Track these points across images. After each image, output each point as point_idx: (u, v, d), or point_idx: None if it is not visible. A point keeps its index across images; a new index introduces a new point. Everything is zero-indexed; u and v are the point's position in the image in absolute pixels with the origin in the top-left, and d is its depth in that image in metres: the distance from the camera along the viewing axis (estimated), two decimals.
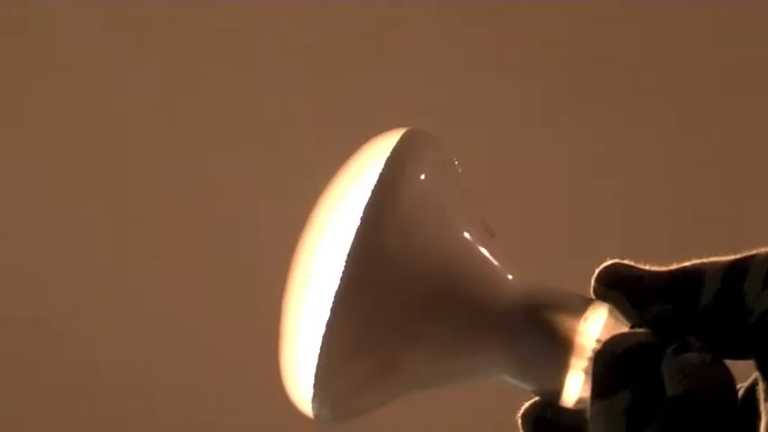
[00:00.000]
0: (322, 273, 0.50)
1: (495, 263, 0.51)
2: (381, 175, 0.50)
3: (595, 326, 0.48)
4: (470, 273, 0.50)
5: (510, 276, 0.51)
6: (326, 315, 0.49)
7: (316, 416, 0.51)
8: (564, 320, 0.48)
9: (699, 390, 0.44)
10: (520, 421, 0.50)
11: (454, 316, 0.50)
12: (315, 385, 0.50)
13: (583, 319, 0.48)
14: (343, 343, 0.49)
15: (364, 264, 0.49)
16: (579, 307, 0.49)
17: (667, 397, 0.44)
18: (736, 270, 0.46)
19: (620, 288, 0.48)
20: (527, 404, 0.50)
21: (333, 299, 0.49)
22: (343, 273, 0.49)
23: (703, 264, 0.47)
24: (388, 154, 0.51)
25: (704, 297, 0.47)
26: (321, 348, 0.49)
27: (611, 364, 0.46)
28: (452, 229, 0.51)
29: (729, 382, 0.45)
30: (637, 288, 0.48)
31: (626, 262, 0.49)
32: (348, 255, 0.49)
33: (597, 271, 0.49)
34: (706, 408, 0.44)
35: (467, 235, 0.51)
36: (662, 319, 0.47)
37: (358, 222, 0.49)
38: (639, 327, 0.48)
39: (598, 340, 0.48)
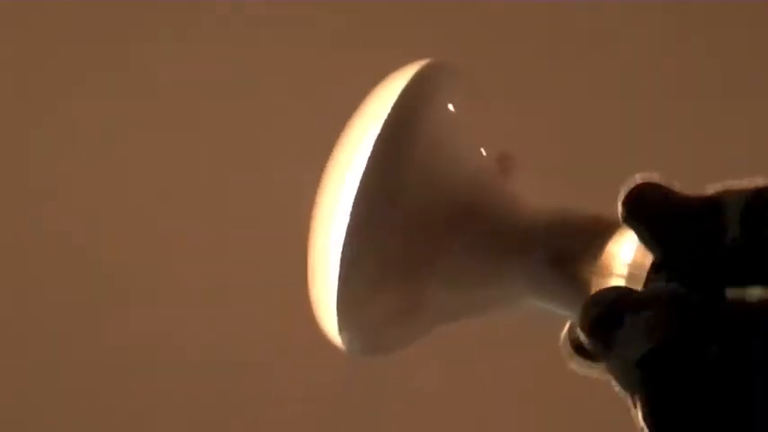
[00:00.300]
0: (343, 209, 0.49)
1: (516, 189, 0.50)
2: (398, 102, 0.49)
3: (625, 249, 0.47)
4: (490, 198, 0.49)
5: (533, 202, 0.50)
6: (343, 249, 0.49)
7: (347, 349, 0.50)
8: (592, 244, 0.47)
9: (662, 345, 0.43)
10: (561, 342, 0.49)
11: (475, 243, 0.49)
12: (338, 319, 0.49)
13: (611, 242, 0.47)
14: (362, 277, 0.49)
15: (377, 196, 0.48)
16: (608, 231, 0.48)
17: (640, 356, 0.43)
18: (761, 199, 0.45)
19: (641, 219, 0.46)
20: (566, 328, 0.49)
21: (346, 232, 0.48)
22: (354, 206, 0.48)
23: (726, 191, 0.46)
24: (408, 81, 0.50)
25: (728, 228, 0.45)
26: (339, 283, 0.49)
27: (597, 325, 0.45)
28: (472, 155, 0.50)
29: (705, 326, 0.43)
30: (658, 219, 0.46)
31: (653, 181, 0.47)
32: (359, 187, 0.48)
33: (624, 194, 0.47)
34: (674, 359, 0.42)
35: (486, 161, 0.50)
36: (683, 253, 0.45)
37: (370, 153, 0.49)
38: (661, 260, 0.46)
39: (629, 264, 0.47)
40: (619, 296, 0.45)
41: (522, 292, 0.49)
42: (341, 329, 0.50)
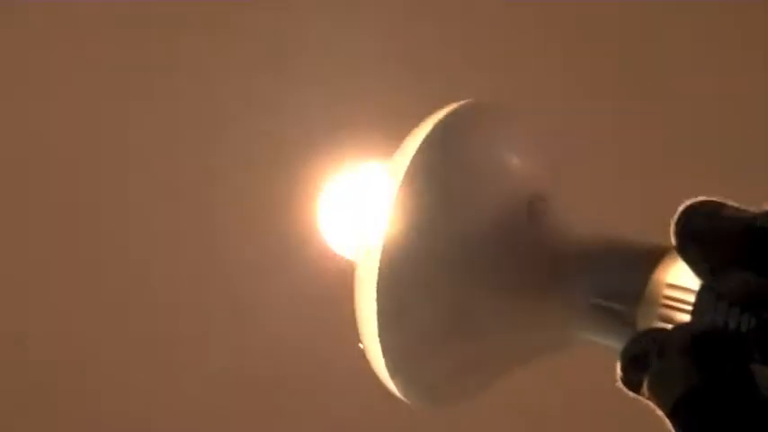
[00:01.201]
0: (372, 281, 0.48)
1: (555, 222, 0.49)
2: (417, 152, 0.48)
3: (672, 276, 0.46)
4: (524, 243, 0.48)
5: (574, 233, 0.48)
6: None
7: (405, 398, 0.50)
8: (637, 275, 0.46)
9: None
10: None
11: (513, 290, 0.48)
12: (393, 383, 0.49)
13: (658, 270, 0.46)
14: (404, 346, 0.48)
15: (402, 264, 0.47)
16: (653, 258, 0.46)
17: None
18: None
19: (686, 246, 0.44)
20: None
21: (377, 313, 0.47)
22: (380, 282, 0.47)
23: None
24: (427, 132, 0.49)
25: None
26: (384, 357, 0.48)
27: (626, 374, 0.44)
28: (501, 198, 0.49)
29: None
30: (704, 245, 0.43)
31: (701, 204, 0.44)
32: (381, 258, 0.47)
33: (676, 217, 0.44)
34: None
35: (517, 203, 0.49)
36: (739, 292, 0.43)
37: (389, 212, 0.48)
38: (708, 287, 0.44)
39: (675, 292, 0.46)
40: (646, 341, 0.44)
41: (573, 330, 0.48)
42: (396, 388, 0.49)
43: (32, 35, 1.41)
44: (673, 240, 0.45)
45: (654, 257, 0.47)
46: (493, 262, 0.48)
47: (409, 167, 0.48)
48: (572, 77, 1.40)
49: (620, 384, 0.45)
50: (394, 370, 0.48)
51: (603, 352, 0.47)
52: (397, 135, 0.51)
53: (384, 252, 0.47)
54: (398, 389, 0.49)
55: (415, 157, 0.48)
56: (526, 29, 1.41)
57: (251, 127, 1.42)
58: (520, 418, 1.43)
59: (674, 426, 0.42)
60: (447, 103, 0.51)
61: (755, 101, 1.39)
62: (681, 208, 0.44)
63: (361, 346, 0.49)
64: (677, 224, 0.44)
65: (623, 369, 0.44)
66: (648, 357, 0.43)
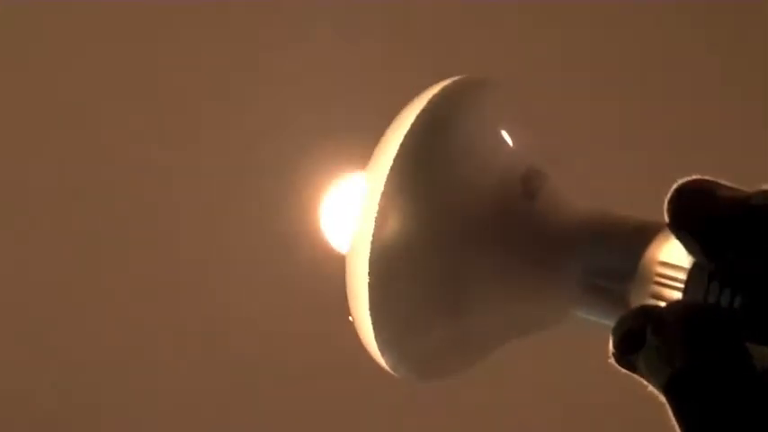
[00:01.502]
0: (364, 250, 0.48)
1: (551, 197, 0.48)
2: (412, 126, 0.48)
3: (665, 253, 0.46)
4: (519, 215, 0.48)
5: (568, 208, 0.48)
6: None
7: (399, 376, 0.49)
8: (631, 251, 0.46)
9: None
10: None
11: (508, 263, 0.48)
12: (383, 356, 0.48)
13: (651, 246, 0.46)
14: (394, 317, 0.48)
15: (392, 236, 0.47)
16: (647, 235, 0.46)
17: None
18: None
19: (680, 225, 0.43)
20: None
21: (369, 277, 0.47)
22: (373, 253, 0.47)
23: None
24: (424, 104, 0.49)
25: None
26: (374, 328, 0.48)
27: (619, 350, 0.44)
28: (497, 171, 0.48)
29: None
30: (698, 225, 0.43)
31: (695, 183, 0.44)
32: (374, 233, 0.47)
33: (669, 196, 0.44)
34: None
35: (512, 177, 0.49)
36: (736, 273, 0.43)
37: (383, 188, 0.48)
38: (701, 263, 0.44)
39: (669, 269, 0.45)
40: (641, 318, 0.44)
41: (565, 307, 0.48)
42: (386, 362, 0.49)
43: (33, 35, 1.41)
44: (666, 219, 0.44)
45: (647, 234, 0.47)
46: (485, 237, 0.48)
47: (402, 143, 0.48)
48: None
49: (611, 361, 0.45)
50: (384, 344, 0.48)
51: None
52: None
53: (376, 226, 0.47)
54: (388, 363, 0.49)
55: (407, 133, 0.48)
56: (526, 20, 1.41)
57: (250, 128, 1.42)
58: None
59: (670, 402, 0.42)
60: None
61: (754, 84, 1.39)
62: (674, 186, 0.44)
63: (350, 318, 0.49)
64: (671, 202, 0.44)
65: (616, 346, 0.44)
66: (642, 334, 0.43)
